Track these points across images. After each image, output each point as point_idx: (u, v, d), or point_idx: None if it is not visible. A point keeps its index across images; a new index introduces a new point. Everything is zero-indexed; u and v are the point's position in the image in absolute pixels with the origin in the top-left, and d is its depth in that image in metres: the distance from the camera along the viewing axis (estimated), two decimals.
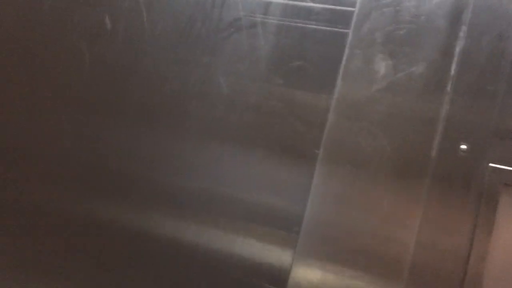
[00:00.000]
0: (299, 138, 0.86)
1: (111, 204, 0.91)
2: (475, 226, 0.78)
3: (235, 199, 0.86)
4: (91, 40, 0.93)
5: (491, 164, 0.78)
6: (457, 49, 0.82)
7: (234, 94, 0.89)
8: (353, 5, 0.87)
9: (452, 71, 0.82)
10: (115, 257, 0.89)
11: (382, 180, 0.82)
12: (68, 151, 0.92)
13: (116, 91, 0.93)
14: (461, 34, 0.82)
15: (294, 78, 0.88)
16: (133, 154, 0.90)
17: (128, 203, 0.89)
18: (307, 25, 0.89)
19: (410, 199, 0.81)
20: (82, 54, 0.94)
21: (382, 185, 0.82)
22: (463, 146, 0.79)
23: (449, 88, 0.81)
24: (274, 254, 0.83)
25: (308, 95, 0.87)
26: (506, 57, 0.81)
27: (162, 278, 0.86)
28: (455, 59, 0.82)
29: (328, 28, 0.88)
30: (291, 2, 0.90)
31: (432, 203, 0.80)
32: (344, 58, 0.86)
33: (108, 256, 0.89)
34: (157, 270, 0.87)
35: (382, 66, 0.85)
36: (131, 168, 0.90)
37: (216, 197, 0.87)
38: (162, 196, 0.88)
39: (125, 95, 0.92)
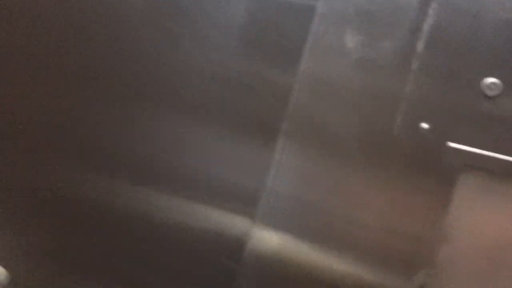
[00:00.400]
0: (264, 112, 0.85)
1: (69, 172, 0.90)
2: (434, 206, 0.78)
3: (194, 171, 0.86)
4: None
5: (451, 144, 0.77)
6: (425, 26, 0.81)
7: (203, 64, 0.88)
8: None
9: (419, 49, 0.81)
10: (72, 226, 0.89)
11: (346, 158, 0.82)
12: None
13: (76, 56, 0.91)
14: (430, 11, 0.81)
15: (264, 50, 0.87)
16: (92, 123, 0.89)
17: (88, 172, 0.89)
18: None
19: (372, 178, 0.81)
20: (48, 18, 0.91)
21: (345, 163, 0.82)
22: (425, 125, 0.79)
23: (414, 65, 0.80)
24: (231, 228, 0.83)
25: (275, 68, 0.86)
26: (476, 37, 0.79)
27: (116, 250, 0.86)
28: (423, 36, 0.81)
29: (298, 0, 0.86)
30: None
31: (393, 183, 0.80)
32: (313, 31, 0.84)
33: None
34: (111, 241, 0.86)
35: (350, 41, 0.83)
36: (93, 138, 0.89)
37: (175, 169, 0.86)
38: (117, 166, 0.87)
39: (89, 61, 0.90)
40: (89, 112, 0.89)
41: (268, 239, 0.82)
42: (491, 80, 0.78)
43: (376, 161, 0.80)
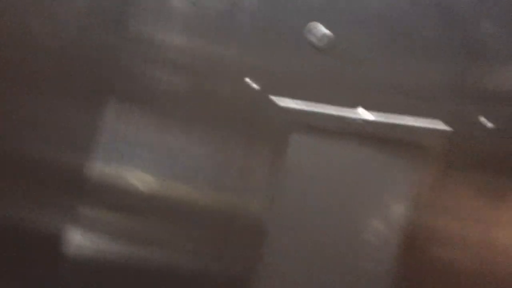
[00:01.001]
0: (93, 80, 0.78)
1: None
2: (268, 168, 0.74)
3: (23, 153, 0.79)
4: None
5: (280, 104, 0.73)
6: None
7: (48, 40, 0.81)
8: None
9: (245, 4, 0.75)
10: None
11: (175, 123, 0.76)
12: None
13: None
14: None
15: (102, 18, 0.80)
16: None
17: None
18: None
19: (201, 141, 0.75)
20: None
21: (175, 126, 0.76)
22: (255, 86, 0.74)
23: (240, 23, 0.75)
24: (50, 220, 0.77)
25: (109, 34, 0.80)
26: None
27: None
28: None
29: None
30: None
31: (226, 147, 0.75)
32: None
33: None
34: None
35: (178, 1, 0.78)
36: None
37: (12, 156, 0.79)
38: None
39: None
40: None
41: (91, 229, 0.76)
42: (319, 30, 0.73)
43: (206, 124, 0.75)
